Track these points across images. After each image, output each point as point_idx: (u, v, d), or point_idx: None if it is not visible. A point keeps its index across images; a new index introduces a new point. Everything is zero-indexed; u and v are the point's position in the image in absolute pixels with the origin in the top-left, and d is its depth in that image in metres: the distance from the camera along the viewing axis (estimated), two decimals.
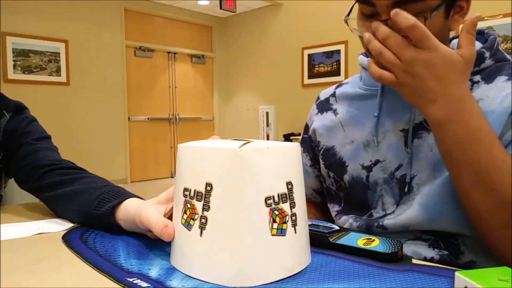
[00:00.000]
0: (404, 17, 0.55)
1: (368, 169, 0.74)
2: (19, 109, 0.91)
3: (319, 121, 0.86)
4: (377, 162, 0.73)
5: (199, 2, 6.14)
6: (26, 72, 4.89)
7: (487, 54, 0.69)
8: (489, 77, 0.67)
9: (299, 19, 5.76)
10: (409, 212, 0.68)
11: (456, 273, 0.30)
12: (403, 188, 0.70)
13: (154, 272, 0.47)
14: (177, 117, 6.55)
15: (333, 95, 0.87)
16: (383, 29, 0.58)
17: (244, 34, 6.67)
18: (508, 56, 0.71)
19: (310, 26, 5.62)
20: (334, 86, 0.89)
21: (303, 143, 0.91)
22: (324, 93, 0.90)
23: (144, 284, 0.43)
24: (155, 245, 0.57)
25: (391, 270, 0.46)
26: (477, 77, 0.68)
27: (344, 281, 0.43)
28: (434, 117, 0.58)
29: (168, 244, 0.54)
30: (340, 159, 0.79)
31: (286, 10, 6.03)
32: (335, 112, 0.83)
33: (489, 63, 0.69)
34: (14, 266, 0.51)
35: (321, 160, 0.84)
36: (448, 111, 0.57)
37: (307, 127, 0.91)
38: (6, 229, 0.68)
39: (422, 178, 0.68)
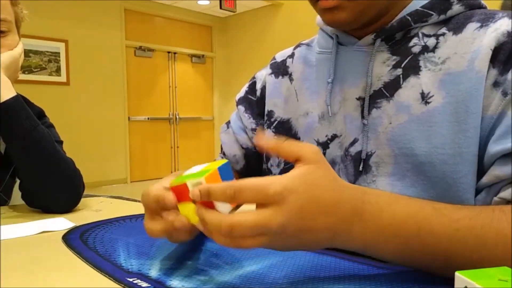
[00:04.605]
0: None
1: (324, 145, 0.63)
2: (41, 115, 0.99)
3: (273, 85, 0.73)
4: (334, 137, 0.62)
5: (199, 2, 6.14)
6: (26, 72, 4.89)
7: None
8: (458, 27, 0.55)
9: (299, 19, 5.76)
10: None
11: (456, 273, 0.30)
12: (357, 167, 0.59)
13: (154, 272, 0.47)
14: (177, 117, 6.55)
15: (291, 56, 0.73)
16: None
17: (244, 34, 6.67)
18: (484, 3, 0.58)
19: (310, 26, 5.60)
20: (293, 46, 0.76)
21: (246, 103, 0.77)
22: (282, 54, 0.77)
23: (144, 284, 0.43)
24: (155, 245, 0.57)
25: (391, 270, 0.46)
26: (443, 29, 0.56)
27: (344, 281, 0.43)
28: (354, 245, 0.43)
29: (168, 244, 0.53)
30: (295, 134, 0.67)
31: (286, 10, 6.03)
32: (290, 77, 0.71)
33: (458, 9, 0.56)
34: (14, 266, 0.51)
35: (273, 135, 0.71)
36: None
37: (253, 87, 0.77)
38: (9, 230, 0.68)
39: (381, 157, 0.57)
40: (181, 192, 0.43)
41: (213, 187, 0.39)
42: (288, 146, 0.42)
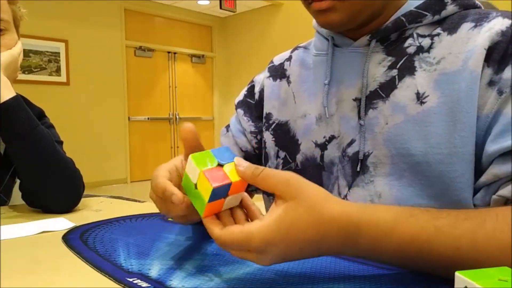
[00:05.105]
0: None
1: (323, 146, 0.63)
2: (41, 115, 0.98)
3: (271, 88, 0.73)
4: (331, 138, 0.62)
5: (199, 2, 6.14)
6: (26, 72, 4.89)
7: None
8: (452, 27, 0.55)
9: (299, 19, 5.76)
10: (364, 198, 0.58)
11: (456, 273, 0.30)
12: (355, 167, 0.59)
13: (154, 272, 0.47)
14: (177, 117, 6.55)
15: (289, 59, 0.74)
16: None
17: (244, 34, 6.67)
18: (478, 2, 0.58)
19: (310, 27, 5.60)
20: (291, 49, 0.76)
21: (245, 106, 0.77)
22: (279, 57, 0.77)
23: (144, 284, 0.43)
24: (155, 245, 0.57)
25: (391, 270, 0.46)
26: (438, 29, 0.56)
27: (344, 281, 0.43)
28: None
29: (168, 244, 0.54)
30: (294, 136, 0.68)
31: (286, 10, 6.03)
32: (288, 80, 0.71)
33: (452, 9, 0.56)
34: (14, 266, 0.51)
35: (271, 137, 0.71)
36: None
37: (252, 90, 0.78)
38: (9, 229, 0.68)
39: (378, 157, 0.57)
40: None
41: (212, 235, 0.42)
42: (262, 179, 0.41)
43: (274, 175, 0.41)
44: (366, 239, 0.41)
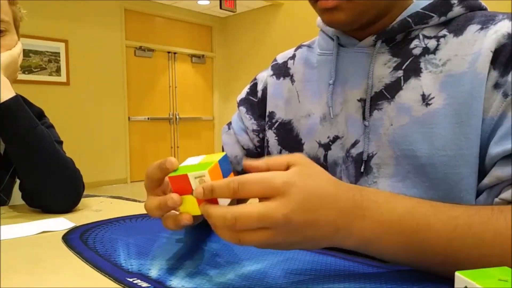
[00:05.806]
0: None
1: (326, 147, 0.63)
2: (41, 115, 0.98)
3: (274, 86, 0.73)
4: (335, 138, 0.62)
5: (199, 2, 6.14)
6: (26, 72, 4.89)
7: (454, 0, 0.57)
8: (458, 29, 0.55)
9: (299, 19, 5.76)
10: None
11: (456, 273, 0.30)
12: (359, 168, 0.59)
13: (154, 272, 0.47)
14: (177, 117, 6.55)
15: (293, 57, 0.73)
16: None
17: (244, 34, 6.67)
18: (484, 4, 0.58)
19: (310, 26, 5.60)
20: (295, 47, 0.76)
21: (247, 104, 0.77)
22: (283, 56, 0.76)
23: (144, 284, 0.43)
24: (155, 245, 0.57)
25: (391, 270, 0.46)
26: (444, 31, 0.56)
27: (344, 281, 0.43)
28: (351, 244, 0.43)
29: (168, 244, 0.53)
30: (297, 135, 0.67)
31: (286, 10, 6.03)
32: (292, 78, 0.71)
33: (459, 11, 0.56)
34: (14, 266, 0.51)
35: (274, 136, 0.70)
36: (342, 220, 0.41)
37: (255, 88, 0.77)
38: (9, 229, 0.68)
39: (382, 158, 0.57)
40: (180, 184, 0.42)
41: (216, 183, 0.39)
42: (276, 158, 0.43)
43: (282, 156, 0.43)
44: (370, 207, 0.42)
